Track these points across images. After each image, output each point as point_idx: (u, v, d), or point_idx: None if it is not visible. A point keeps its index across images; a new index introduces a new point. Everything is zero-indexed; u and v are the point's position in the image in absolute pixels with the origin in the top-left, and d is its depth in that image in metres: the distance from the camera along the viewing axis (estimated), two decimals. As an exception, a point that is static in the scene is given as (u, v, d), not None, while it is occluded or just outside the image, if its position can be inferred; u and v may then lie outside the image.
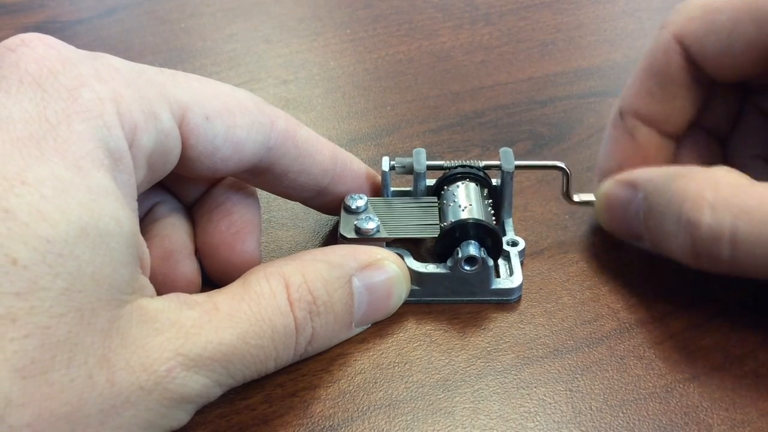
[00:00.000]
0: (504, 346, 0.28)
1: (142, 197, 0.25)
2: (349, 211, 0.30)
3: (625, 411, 0.25)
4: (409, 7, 0.55)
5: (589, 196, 0.32)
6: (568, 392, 0.26)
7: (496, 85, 0.45)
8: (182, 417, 0.22)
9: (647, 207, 0.28)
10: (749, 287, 0.29)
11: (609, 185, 0.30)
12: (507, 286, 0.29)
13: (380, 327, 0.28)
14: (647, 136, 0.31)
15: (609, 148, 0.32)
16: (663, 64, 0.30)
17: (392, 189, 0.32)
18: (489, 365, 0.27)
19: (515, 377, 0.26)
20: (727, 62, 0.29)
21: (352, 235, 0.29)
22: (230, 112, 0.26)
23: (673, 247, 0.27)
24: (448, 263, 0.28)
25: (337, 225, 0.33)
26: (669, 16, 0.30)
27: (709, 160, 0.32)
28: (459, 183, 0.31)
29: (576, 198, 0.32)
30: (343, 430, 0.25)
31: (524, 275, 0.30)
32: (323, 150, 0.29)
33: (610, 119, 0.33)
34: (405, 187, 0.33)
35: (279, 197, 0.32)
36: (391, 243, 0.29)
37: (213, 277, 0.28)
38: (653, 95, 0.31)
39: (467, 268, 0.28)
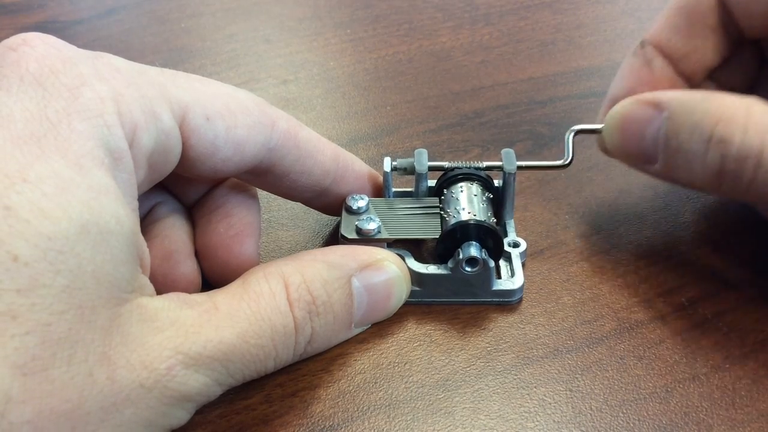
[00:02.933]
0: (504, 346, 0.28)
1: (142, 197, 0.25)
2: (351, 211, 0.30)
3: (625, 411, 0.25)
4: (409, 7, 0.55)
5: (596, 125, 0.31)
6: (568, 392, 0.26)
7: (496, 85, 0.45)
8: (182, 416, 0.22)
9: (671, 126, 0.27)
10: (749, 288, 0.30)
11: (627, 104, 0.29)
12: (508, 288, 0.29)
13: (380, 327, 0.28)
14: (663, 69, 0.31)
15: (623, 76, 0.32)
16: (695, 2, 0.30)
17: (393, 190, 0.32)
18: (489, 365, 0.27)
19: (515, 377, 0.26)
20: (758, 9, 0.29)
21: (353, 235, 0.29)
22: (231, 112, 0.26)
23: (695, 168, 0.26)
24: (449, 264, 0.28)
25: (337, 225, 0.33)
26: None
27: None
28: (460, 184, 0.31)
29: (582, 127, 0.31)
30: (343, 430, 0.25)
31: (524, 275, 0.30)
32: (325, 151, 0.29)
33: (630, 50, 0.32)
34: (406, 187, 0.33)
35: (279, 197, 0.32)
36: (392, 244, 0.29)
37: (211, 278, 0.28)
38: (678, 30, 0.31)
39: (468, 269, 0.28)
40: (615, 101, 0.30)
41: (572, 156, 0.31)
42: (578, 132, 0.31)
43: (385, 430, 0.25)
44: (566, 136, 0.31)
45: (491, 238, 0.28)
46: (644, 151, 0.28)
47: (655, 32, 0.32)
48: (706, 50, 0.31)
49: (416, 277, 0.29)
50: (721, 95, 0.27)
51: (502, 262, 0.30)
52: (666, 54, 0.31)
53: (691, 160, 0.26)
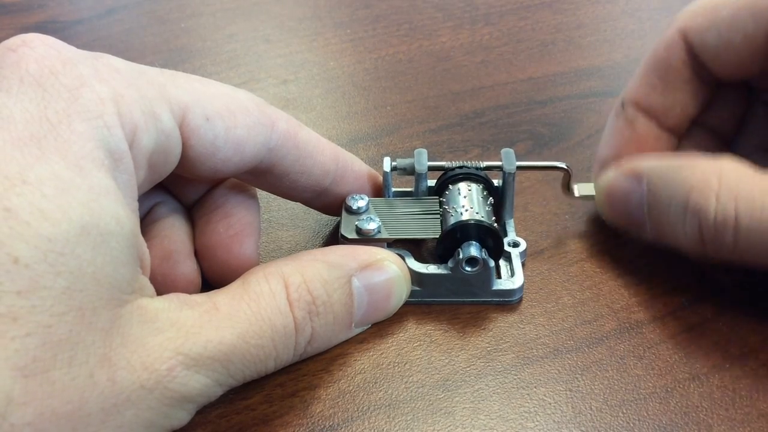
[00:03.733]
0: (504, 346, 0.28)
1: (142, 198, 0.25)
2: (350, 211, 0.30)
3: (625, 411, 0.25)
4: (409, 7, 0.55)
5: (591, 189, 0.32)
6: (568, 392, 0.26)
7: (496, 85, 0.45)
8: (183, 416, 0.22)
9: (651, 196, 0.28)
10: (749, 288, 0.30)
11: (610, 177, 0.30)
12: (508, 287, 0.29)
13: (380, 327, 0.28)
14: (646, 127, 0.32)
15: (608, 137, 0.33)
16: (666, 57, 0.31)
17: (393, 189, 0.32)
18: (489, 365, 0.27)
19: (515, 377, 0.26)
20: (727, 57, 0.30)
21: (353, 235, 0.29)
22: (231, 112, 0.26)
23: (679, 236, 0.27)
24: (449, 264, 0.28)
25: (337, 225, 0.33)
26: (679, 13, 0.31)
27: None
28: (460, 184, 0.31)
29: (577, 192, 0.32)
30: (343, 430, 0.25)
31: (524, 275, 0.30)
32: (324, 151, 0.29)
33: (611, 113, 0.33)
34: (406, 187, 0.33)
35: (279, 197, 0.32)
36: (392, 244, 0.30)
37: (211, 278, 0.28)
38: (654, 87, 0.31)
39: (468, 269, 0.28)
40: (604, 163, 0.32)
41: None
42: (575, 198, 0.33)
43: (385, 430, 0.25)
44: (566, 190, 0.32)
45: (491, 238, 0.28)
46: (632, 220, 0.29)
47: (632, 92, 0.32)
48: (685, 102, 0.31)
49: (416, 277, 0.29)
50: (693, 161, 0.27)
51: (502, 262, 0.30)
52: (646, 112, 0.32)
53: (674, 229, 0.27)
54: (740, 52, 0.29)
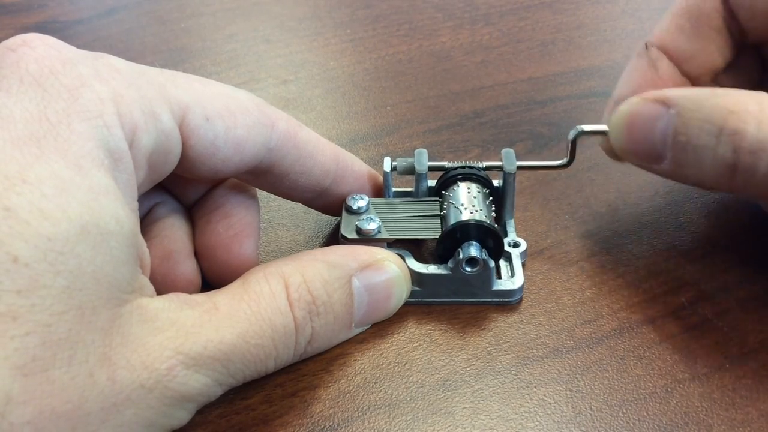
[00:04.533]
0: (504, 346, 0.28)
1: (142, 198, 0.25)
2: (351, 211, 0.30)
3: (625, 411, 0.25)
4: (409, 7, 0.55)
5: (601, 126, 0.30)
6: (568, 392, 0.26)
7: (496, 85, 0.45)
8: (183, 416, 0.22)
9: (680, 122, 0.26)
10: (749, 288, 0.30)
11: (634, 102, 0.28)
12: (508, 288, 0.29)
13: (380, 327, 0.28)
14: (668, 70, 0.31)
15: (628, 77, 0.32)
16: (699, 4, 0.30)
17: (394, 189, 0.32)
18: (489, 365, 0.27)
19: (515, 377, 0.26)
20: (760, 14, 0.29)
21: (353, 235, 0.29)
22: (231, 112, 0.26)
23: (705, 165, 0.26)
24: (449, 264, 0.28)
25: (337, 225, 0.33)
26: None
27: None
28: (460, 184, 0.31)
29: (587, 128, 0.30)
30: (343, 430, 0.25)
31: (524, 275, 0.30)
32: (324, 151, 0.29)
33: (634, 54, 0.32)
34: (406, 187, 0.33)
35: (279, 197, 0.32)
36: (393, 244, 0.29)
37: (210, 278, 0.28)
38: (683, 32, 0.31)
39: (468, 269, 0.28)
40: (620, 102, 0.30)
41: (573, 156, 0.31)
42: (582, 133, 0.30)
43: (385, 430, 0.25)
44: (569, 136, 0.31)
45: (491, 238, 0.28)
46: (652, 149, 0.28)
47: (659, 34, 0.32)
48: (711, 52, 0.31)
49: (416, 277, 0.29)
50: (730, 90, 0.26)
51: (502, 262, 0.30)
52: (671, 55, 0.31)
53: (701, 156, 0.26)
54: None
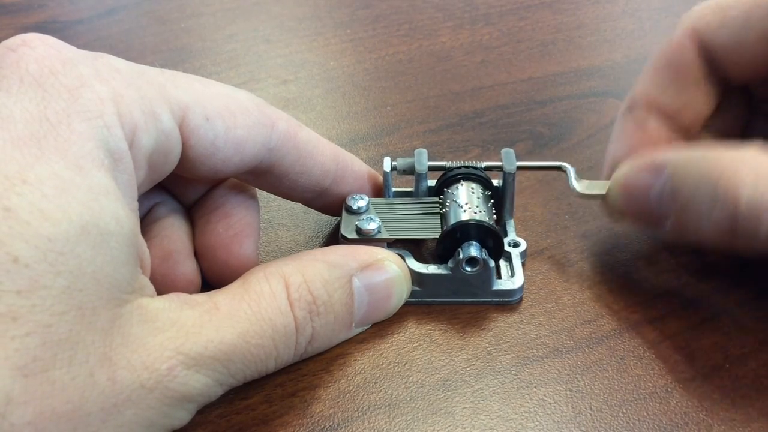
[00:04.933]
0: (504, 346, 0.28)
1: (142, 198, 0.25)
2: (351, 211, 0.30)
3: (625, 411, 0.25)
4: (409, 7, 0.55)
5: (596, 187, 0.30)
6: (568, 392, 0.26)
7: (496, 85, 0.45)
8: (183, 416, 0.22)
9: (675, 187, 0.26)
10: (749, 287, 0.29)
11: (627, 170, 0.29)
12: (508, 287, 0.29)
13: (380, 327, 0.28)
14: (656, 128, 0.31)
15: (618, 140, 0.32)
16: (677, 57, 0.30)
17: (394, 189, 0.32)
18: (489, 365, 0.27)
19: (515, 377, 0.26)
20: (740, 56, 0.29)
21: (353, 235, 0.29)
22: (231, 113, 0.26)
23: (704, 227, 0.26)
24: (449, 264, 0.28)
25: (337, 225, 0.33)
26: (686, 13, 0.31)
27: None
28: (460, 184, 0.31)
29: (580, 189, 0.31)
30: (343, 430, 0.25)
31: (524, 275, 0.30)
32: (324, 151, 0.29)
33: (618, 113, 0.32)
34: (406, 187, 0.33)
35: (279, 197, 0.32)
36: (393, 244, 0.30)
37: (210, 278, 0.28)
38: (666, 87, 0.31)
39: (468, 269, 0.28)
40: (615, 164, 0.30)
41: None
42: (579, 196, 0.31)
43: (385, 430, 0.25)
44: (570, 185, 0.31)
45: (491, 238, 0.28)
46: (651, 215, 0.28)
47: (642, 92, 0.31)
48: (698, 102, 0.31)
49: (416, 277, 0.29)
50: (719, 150, 0.26)
51: (502, 262, 0.30)
52: (657, 113, 0.31)
53: (700, 220, 0.26)
54: (753, 50, 0.29)
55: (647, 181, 0.27)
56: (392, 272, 0.27)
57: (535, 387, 0.26)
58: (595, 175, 0.36)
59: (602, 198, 0.30)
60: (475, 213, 0.29)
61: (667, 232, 0.27)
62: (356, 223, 0.29)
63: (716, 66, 0.30)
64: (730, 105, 0.32)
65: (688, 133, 0.31)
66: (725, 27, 0.29)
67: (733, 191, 0.24)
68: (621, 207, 0.29)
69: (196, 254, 0.29)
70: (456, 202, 0.30)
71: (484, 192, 0.31)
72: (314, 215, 0.34)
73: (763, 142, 0.26)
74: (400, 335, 0.28)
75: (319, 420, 0.25)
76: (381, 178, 0.32)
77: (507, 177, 0.31)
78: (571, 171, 0.31)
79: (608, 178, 0.30)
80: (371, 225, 0.29)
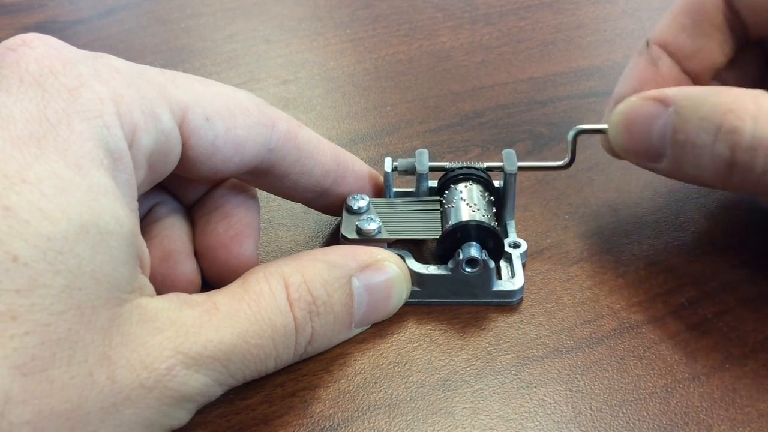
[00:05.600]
0: (504, 346, 0.28)
1: (142, 198, 0.25)
2: (351, 211, 0.30)
3: (625, 411, 0.25)
4: (409, 7, 0.55)
5: (600, 125, 0.30)
6: (568, 392, 0.26)
7: (496, 85, 0.45)
8: (183, 416, 0.22)
9: (679, 120, 0.27)
10: (749, 287, 0.29)
11: (632, 101, 0.29)
12: (508, 288, 0.29)
13: (380, 327, 0.28)
14: (669, 68, 0.31)
15: (628, 75, 0.32)
16: (701, 1, 0.30)
17: (394, 190, 0.32)
18: (489, 365, 0.27)
19: (515, 377, 0.26)
20: (763, 9, 0.29)
21: (353, 235, 0.29)
22: (231, 113, 0.26)
23: (703, 162, 0.26)
24: (450, 265, 0.28)
25: (338, 225, 0.33)
26: None
27: None
28: (461, 184, 0.31)
29: (586, 127, 0.30)
30: (343, 430, 0.25)
31: (524, 276, 0.30)
32: (325, 151, 0.29)
33: (636, 50, 0.32)
34: (407, 187, 0.33)
35: (279, 197, 0.32)
36: (393, 244, 0.29)
37: (210, 279, 0.28)
38: (684, 29, 0.31)
39: (468, 269, 0.28)
40: (620, 100, 0.30)
41: (573, 156, 0.31)
42: (581, 132, 0.30)
43: (385, 430, 0.25)
44: (568, 136, 0.31)
45: (491, 239, 0.28)
46: (651, 148, 0.28)
47: (660, 31, 0.32)
48: (713, 49, 0.31)
49: (416, 278, 0.29)
50: (728, 88, 0.26)
51: (502, 263, 0.30)
52: (672, 53, 0.31)
53: (699, 154, 0.26)
54: None
55: (651, 113, 0.28)
56: (392, 272, 0.27)
57: (535, 387, 0.26)
58: (595, 175, 0.36)
59: (604, 132, 0.30)
60: (476, 213, 0.29)
61: (665, 167, 0.28)
62: (356, 223, 0.29)
63: (737, 16, 0.30)
64: (745, 61, 0.32)
65: (698, 78, 0.32)
66: None
67: (739, 125, 0.25)
68: (621, 139, 0.29)
69: (196, 254, 0.29)
70: (456, 202, 0.30)
71: (485, 192, 0.31)
72: (314, 215, 0.34)
73: None
74: (400, 335, 0.28)
75: (319, 420, 0.25)
76: (381, 179, 0.32)
77: (508, 178, 0.31)
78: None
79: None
80: (371, 225, 0.29)
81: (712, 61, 0.31)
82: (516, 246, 0.31)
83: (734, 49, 0.31)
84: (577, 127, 0.30)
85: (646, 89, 0.29)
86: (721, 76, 0.32)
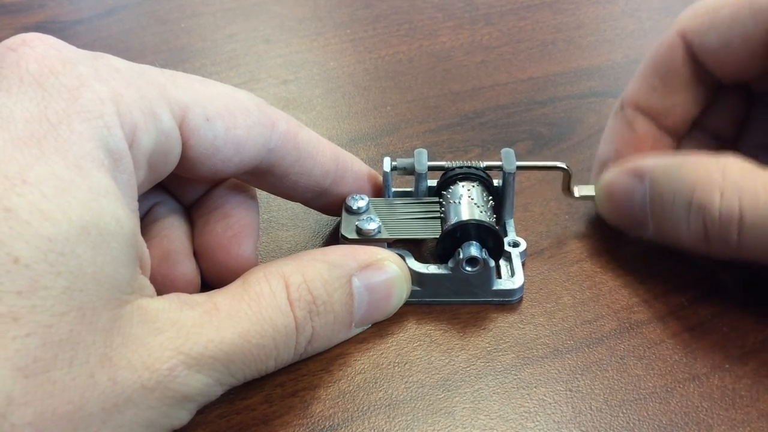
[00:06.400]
0: (504, 346, 0.28)
1: (142, 198, 0.25)
2: (351, 211, 0.30)
3: (625, 411, 0.25)
4: (409, 7, 0.55)
5: (591, 190, 0.32)
6: (568, 392, 0.26)
7: (496, 85, 0.45)
8: (183, 416, 0.22)
9: (654, 194, 0.28)
10: (749, 287, 0.30)
11: (611, 175, 0.30)
12: (508, 287, 0.29)
13: (380, 327, 0.28)
14: (645, 128, 0.32)
15: (608, 138, 0.33)
16: (666, 58, 0.31)
17: (393, 189, 0.32)
18: (489, 365, 0.27)
19: (515, 377, 0.26)
20: (727, 58, 0.30)
21: (353, 235, 0.29)
22: (231, 113, 0.26)
23: (682, 233, 0.27)
24: (450, 264, 0.28)
25: (337, 225, 0.33)
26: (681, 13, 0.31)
27: None
28: (460, 183, 0.31)
29: (577, 193, 0.32)
30: (343, 430, 0.25)
31: (524, 275, 0.30)
32: (324, 151, 0.29)
33: (611, 113, 0.33)
34: (406, 187, 0.33)
35: (279, 197, 0.32)
36: (393, 244, 0.30)
37: (209, 279, 0.28)
38: (654, 88, 0.31)
39: (468, 268, 0.28)
40: (603, 164, 0.31)
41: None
42: (575, 198, 0.32)
43: (385, 430, 0.25)
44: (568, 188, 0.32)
45: (491, 238, 0.28)
46: (635, 218, 0.29)
47: (631, 93, 0.32)
48: (686, 103, 0.31)
49: (416, 277, 0.29)
50: (696, 158, 0.27)
51: (502, 262, 0.30)
52: (646, 113, 0.32)
53: (677, 226, 0.27)
54: (740, 52, 0.29)
55: (630, 186, 0.29)
56: (392, 272, 0.27)
57: (535, 387, 0.26)
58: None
59: (593, 199, 0.32)
60: (475, 213, 0.29)
61: (651, 235, 0.29)
62: (356, 223, 0.29)
63: (704, 68, 0.31)
64: (726, 101, 0.32)
65: (677, 132, 0.32)
66: (713, 29, 0.29)
67: (707, 201, 0.25)
68: (606, 211, 0.31)
69: (196, 254, 0.29)
70: (456, 201, 0.30)
71: (484, 192, 0.31)
72: (314, 215, 0.34)
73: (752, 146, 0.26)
74: (400, 335, 0.28)
75: (319, 420, 0.25)
76: (381, 178, 0.32)
77: (507, 177, 0.31)
78: (569, 174, 0.32)
79: (597, 178, 0.31)
80: (371, 225, 0.29)
81: (686, 115, 0.32)
82: (515, 245, 0.31)
83: (708, 98, 0.32)
84: (575, 194, 0.32)
85: (626, 151, 0.31)
86: (702, 123, 0.33)
